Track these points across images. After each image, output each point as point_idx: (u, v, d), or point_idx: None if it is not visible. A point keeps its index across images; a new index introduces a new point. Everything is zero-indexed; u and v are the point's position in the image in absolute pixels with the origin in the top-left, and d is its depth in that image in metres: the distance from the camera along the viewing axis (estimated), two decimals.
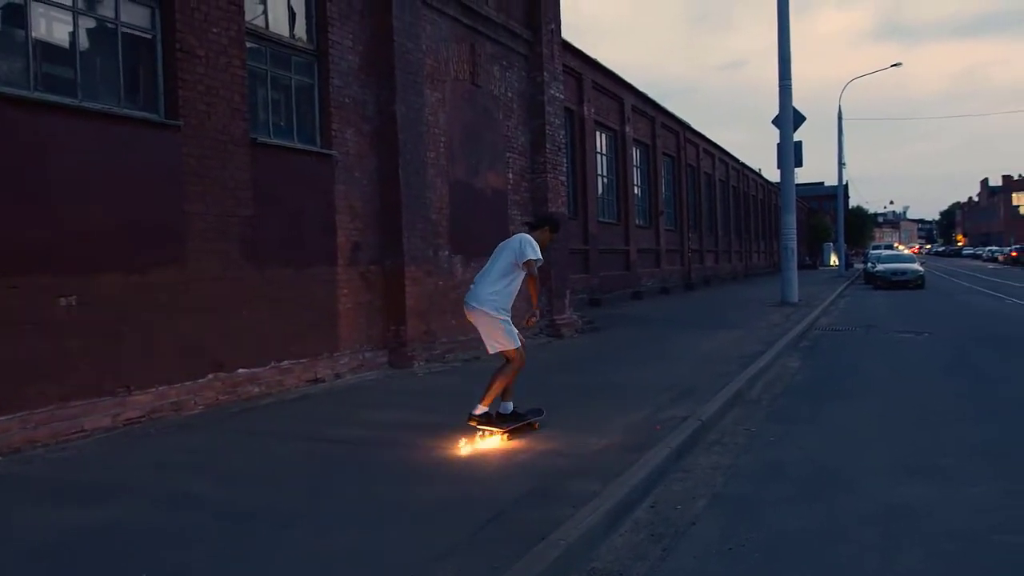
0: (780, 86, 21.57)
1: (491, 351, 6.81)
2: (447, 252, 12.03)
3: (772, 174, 49.58)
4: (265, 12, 9.26)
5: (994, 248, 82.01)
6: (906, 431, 7.21)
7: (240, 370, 8.43)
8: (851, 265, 53.88)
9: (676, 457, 6.07)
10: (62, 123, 6.89)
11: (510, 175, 14.14)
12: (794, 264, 21.81)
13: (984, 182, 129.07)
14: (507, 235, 12.33)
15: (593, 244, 22.16)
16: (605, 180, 24.96)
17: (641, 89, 27.38)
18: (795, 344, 13.64)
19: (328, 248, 9.82)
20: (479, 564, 3.89)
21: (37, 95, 6.75)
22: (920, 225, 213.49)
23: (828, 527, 4.73)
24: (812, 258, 65.15)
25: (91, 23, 7.57)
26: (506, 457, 6.00)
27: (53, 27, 7.25)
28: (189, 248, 7.90)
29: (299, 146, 9.57)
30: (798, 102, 21.84)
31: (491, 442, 6.43)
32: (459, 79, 12.56)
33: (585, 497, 4.83)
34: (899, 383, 9.86)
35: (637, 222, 27.11)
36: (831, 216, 71.96)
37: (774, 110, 21.94)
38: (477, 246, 12.55)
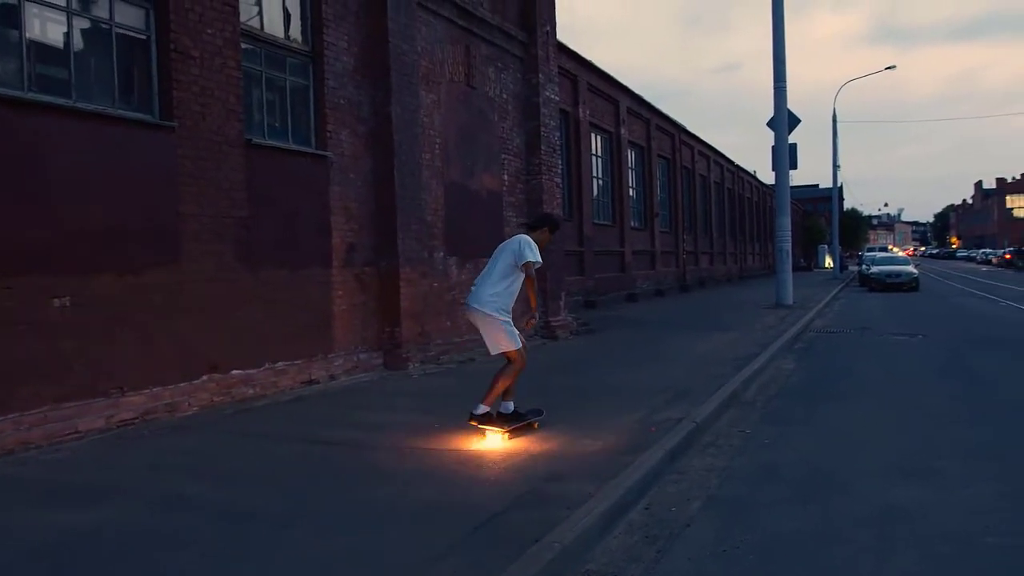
0: (775, 88, 21.60)
1: (493, 352, 6.82)
2: (442, 254, 12.02)
3: (767, 176, 49.62)
4: (260, 13, 9.25)
5: (988, 250, 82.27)
6: (900, 433, 7.22)
7: (234, 371, 8.41)
8: (846, 267, 53.98)
9: (671, 459, 6.07)
10: (56, 124, 6.87)
11: (505, 177, 14.14)
12: (789, 266, 21.86)
13: (978, 184, 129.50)
14: (502, 237, 12.33)
15: (588, 246, 22.16)
16: (600, 182, 24.97)
17: (636, 91, 27.44)
18: (790, 346, 13.66)
19: (323, 249, 9.80)
20: (475, 566, 3.89)
21: (31, 96, 6.73)
22: (914, 227, 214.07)
23: (823, 529, 4.74)
24: (807, 260, 65.29)
25: (85, 23, 7.55)
26: (501, 459, 6.00)
27: (47, 27, 7.24)
28: (183, 249, 7.88)
29: (294, 147, 9.56)
30: (793, 105, 21.93)
31: (491, 442, 6.45)
32: (454, 81, 12.56)
33: (580, 499, 4.82)
34: (894, 385, 9.88)
35: (632, 224, 27.13)
36: (826, 218, 72.08)
37: (769, 112, 22.01)
38: (472, 248, 12.56)
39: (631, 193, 27.53)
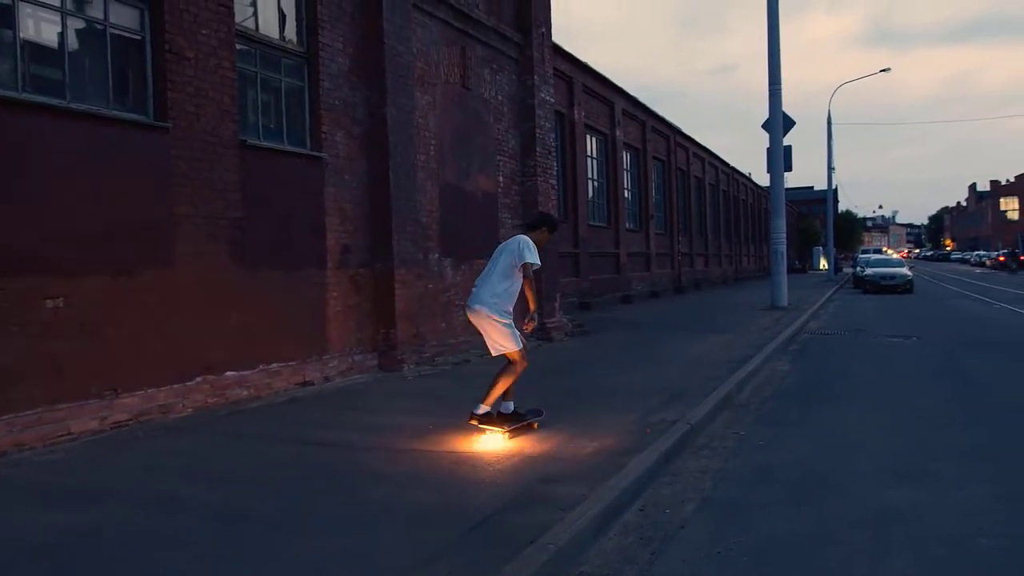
0: (770, 91, 21.66)
1: (494, 353, 6.83)
2: (437, 255, 12.01)
3: (762, 178, 49.76)
4: (255, 14, 9.24)
5: (982, 252, 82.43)
6: (895, 435, 7.23)
7: (228, 373, 8.39)
8: (840, 269, 54.10)
9: (665, 461, 6.07)
10: (50, 124, 6.85)
11: (500, 178, 14.14)
12: (783, 268, 21.88)
13: (972, 187, 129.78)
14: (497, 238, 12.35)
15: (583, 247, 22.17)
16: (595, 184, 24.99)
17: (631, 93, 27.48)
18: (784, 348, 13.68)
19: (317, 251, 9.79)
20: (469, 567, 3.88)
21: (25, 96, 6.71)
22: (909, 229, 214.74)
23: (817, 531, 4.74)
24: (802, 262, 65.41)
25: (80, 24, 7.53)
26: (496, 460, 5.99)
27: (41, 28, 7.21)
28: (177, 250, 7.86)
29: (289, 148, 9.54)
30: (788, 107, 21.96)
31: (486, 443, 6.48)
32: (449, 82, 12.55)
33: (574, 501, 4.82)
34: (888, 387, 9.89)
35: (627, 226, 27.16)
36: (820, 220, 72.29)
37: (764, 114, 22.07)
38: (467, 249, 12.56)
39: (626, 195, 27.57)
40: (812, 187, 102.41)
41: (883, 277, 31.94)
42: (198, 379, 8.04)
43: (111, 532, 4.54)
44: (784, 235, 21.94)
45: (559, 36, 23.52)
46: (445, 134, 12.32)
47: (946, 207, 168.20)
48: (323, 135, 9.91)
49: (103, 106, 7.42)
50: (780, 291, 21.50)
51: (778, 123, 21.61)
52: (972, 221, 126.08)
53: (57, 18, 7.19)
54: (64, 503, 5.10)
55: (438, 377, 10.41)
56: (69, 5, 7.30)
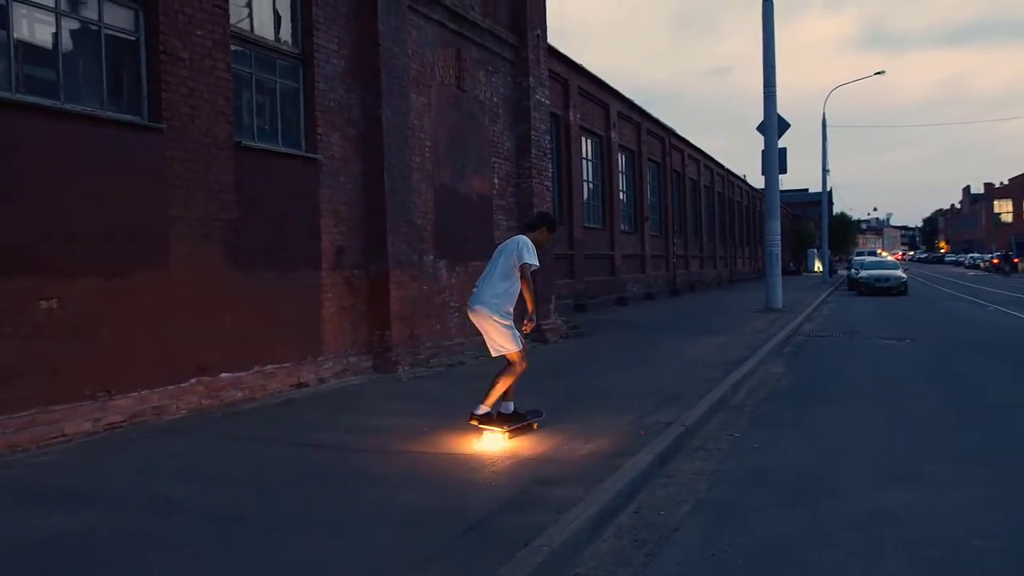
0: (764, 93, 21.69)
1: (494, 354, 6.85)
2: (432, 257, 12.00)
3: (757, 180, 49.85)
4: (250, 15, 9.23)
5: (975, 255, 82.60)
6: (889, 437, 7.24)
7: (223, 374, 8.37)
8: (835, 271, 54.20)
9: (660, 463, 6.07)
10: (44, 125, 6.83)
11: (495, 180, 14.13)
12: (778, 270, 21.92)
13: (966, 190, 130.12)
14: (492, 240, 12.35)
15: (578, 249, 22.17)
16: (590, 185, 24.99)
17: (627, 95, 27.48)
18: (779, 350, 13.69)
19: (312, 252, 9.78)
20: (464, 569, 3.88)
21: (19, 97, 6.69)
22: (903, 232, 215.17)
23: (812, 533, 4.74)
24: (796, 264, 65.51)
25: (74, 24, 7.51)
26: (490, 462, 5.99)
27: (35, 28, 7.20)
28: (172, 251, 7.85)
29: (284, 150, 9.53)
30: (783, 109, 22.00)
31: (481, 444, 6.49)
32: (445, 84, 12.55)
33: (569, 502, 4.82)
34: (882, 389, 9.90)
35: (622, 227, 27.17)
36: (815, 222, 72.40)
37: (759, 117, 22.09)
38: (462, 251, 12.56)
39: (621, 197, 27.57)
40: (807, 189, 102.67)
41: (877, 279, 32.04)
42: (192, 380, 8.02)
43: (105, 533, 4.53)
44: (779, 237, 21.96)
45: (554, 38, 23.55)
46: (440, 136, 12.32)
47: (940, 209, 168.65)
48: (318, 137, 9.90)
49: (97, 107, 7.41)
50: (775, 293, 21.54)
51: (773, 125, 21.66)
52: (966, 224, 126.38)
53: (51, 19, 7.18)
54: (58, 505, 5.08)
55: (433, 379, 10.39)
56: (63, 6, 7.28)
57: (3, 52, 6.70)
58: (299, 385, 9.36)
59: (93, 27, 7.51)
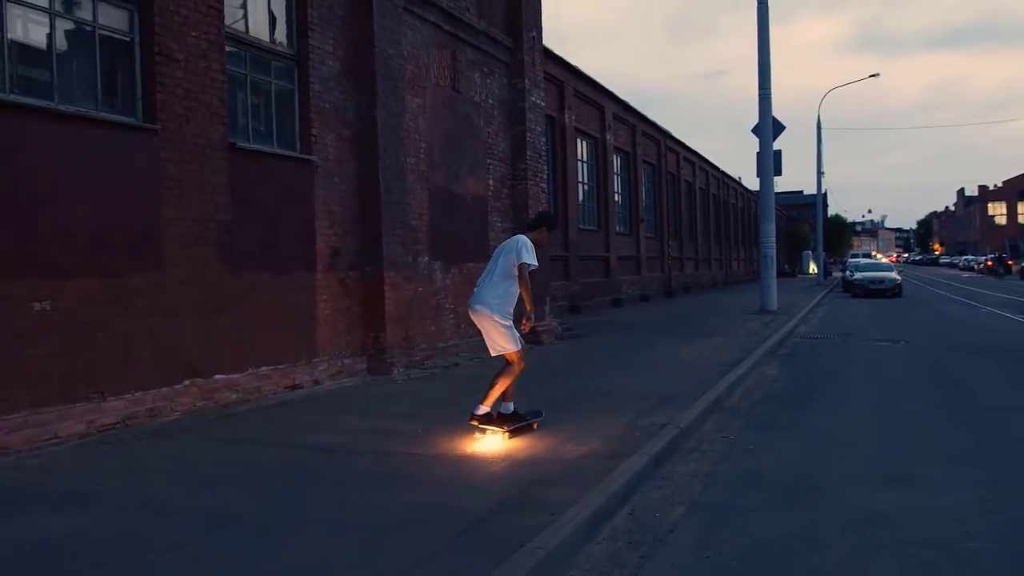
0: (760, 96, 21.72)
1: (493, 353, 6.88)
2: (427, 258, 11.99)
3: (752, 182, 49.90)
4: (245, 16, 9.21)
5: (970, 257, 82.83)
6: (884, 439, 7.25)
7: (217, 376, 8.35)
8: (830, 273, 54.30)
9: (655, 464, 6.07)
10: (38, 126, 6.81)
11: (491, 181, 14.13)
12: (773, 272, 21.96)
13: (960, 192, 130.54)
14: (488, 241, 12.35)
15: (573, 251, 22.16)
16: (586, 187, 25.00)
17: (622, 97, 27.49)
18: (774, 352, 13.71)
19: (307, 254, 9.76)
20: (459, 570, 3.88)
21: (12, 97, 6.66)
22: (898, 234, 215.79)
23: (806, 534, 4.74)
24: (791, 266, 65.62)
25: (68, 25, 7.49)
26: (486, 463, 5.99)
27: (29, 29, 7.18)
28: (166, 253, 7.83)
29: (278, 151, 9.52)
30: (778, 111, 22.05)
31: (477, 445, 6.51)
32: (440, 85, 12.55)
33: (564, 504, 4.81)
34: (877, 391, 9.92)
35: (617, 229, 27.18)
36: (810, 224, 72.55)
37: (754, 119, 22.11)
38: (457, 252, 12.54)
39: (616, 198, 27.59)
40: (802, 191, 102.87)
41: (872, 281, 32.12)
42: (186, 382, 8.00)
43: (101, 535, 4.52)
44: (774, 239, 22.00)
45: (550, 40, 23.54)
46: (435, 137, 12.31)
47: (934, 212, 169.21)
48: (313, 138, 9.88)
49: (91, 108, 7.38)
50: (770, 295, 21.57)
51: (768, 128, 21.69)
52: (960, 226, 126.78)
53: (45, 19, 7.16)
54: (52, 507, 5.06)
55: (428, 380, 10.38)
56: (58, 6, 7.26)
57: None
58: (293, 387, 9.34)
59: (88, 28, 7.49)
